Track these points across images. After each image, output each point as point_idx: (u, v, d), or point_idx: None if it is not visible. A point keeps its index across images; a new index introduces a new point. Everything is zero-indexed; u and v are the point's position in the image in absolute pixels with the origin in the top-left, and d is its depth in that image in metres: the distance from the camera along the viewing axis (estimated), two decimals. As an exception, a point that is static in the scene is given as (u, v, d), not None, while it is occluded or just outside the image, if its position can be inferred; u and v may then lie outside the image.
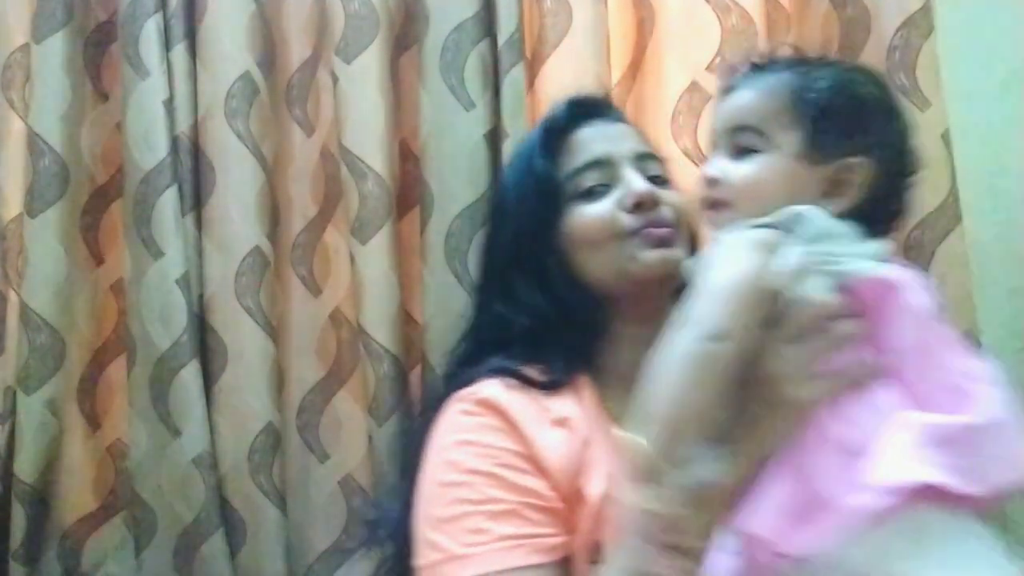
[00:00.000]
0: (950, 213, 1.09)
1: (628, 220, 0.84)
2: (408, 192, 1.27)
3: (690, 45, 1.17)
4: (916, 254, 1.09)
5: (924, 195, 1.09)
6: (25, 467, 1.26)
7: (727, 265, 0.63)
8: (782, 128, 0.69)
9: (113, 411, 1.34)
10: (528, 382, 0.83)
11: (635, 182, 0.86)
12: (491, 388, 0.82)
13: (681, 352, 0.61)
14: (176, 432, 1.22)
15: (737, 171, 0.70)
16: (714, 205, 0.72)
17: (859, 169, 0.69)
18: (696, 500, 0.60)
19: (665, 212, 0.86)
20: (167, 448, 1.22)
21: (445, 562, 0.72)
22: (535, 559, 0.72)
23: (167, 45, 1.28)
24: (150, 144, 1.25)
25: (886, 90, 0.75)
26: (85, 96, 1.35)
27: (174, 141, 1.26)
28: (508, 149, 1.15)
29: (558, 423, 0.80)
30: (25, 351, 1.27)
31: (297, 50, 1.34)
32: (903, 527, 0.55)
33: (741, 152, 0.71)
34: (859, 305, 0.62)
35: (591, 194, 0.87)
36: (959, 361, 0.62)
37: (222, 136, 1.26)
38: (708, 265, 0.65)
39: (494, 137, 1.22)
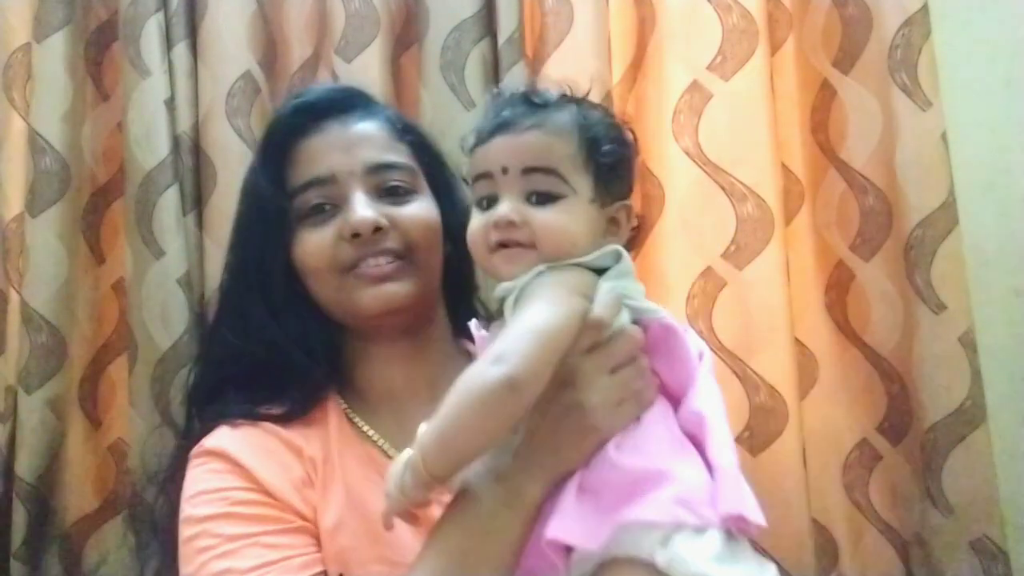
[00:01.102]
0: (949, 213, 1.10)
1: (348, 252, 0.81)
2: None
3: (691, 44, 1.17)
4: (916, 254, 1.10)
5: (924, 196, 1.10)
6: (26, 466, 1.26)
7: (544, 309, 0.65)
8: (578, 172, 0.70)
9: (114, 410, 1.33)
10: (262, 417, 0.81)
11: (356, 210, 0.81)
12: (216, 436, 0.81)
13: (480, 390, 0.62)
14: (177, 432, 1.21)
15: (541, 216, 0.69)
16: (510, 246, 0.70)
17: (629, 207, 0.74)
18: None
19: (392, 239, 0.81)
20: (168, 449, 1.22)
21: None
22: None
23: (168, 44, 1.28)
24: (151, 143, 1.25)
25: (634, 135, 0.78)
26: (86, 95, 1.35)
27: (175, 140, 1.26)
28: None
29: (293, 451, 0.79)
30: (26, 350, 1.27)
31: (298, 49, 1.33)
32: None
33: (538, 195, 0.69)
34: (650, 342, 0.70)
35: (319, 212, 0.83)
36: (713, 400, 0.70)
37: (223, 135, 1.26)
38: (528, 302, 0.66)
39: (495, 137, 1.22)
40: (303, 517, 0.75)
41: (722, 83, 1.15)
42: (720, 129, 1.15)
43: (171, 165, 1.25)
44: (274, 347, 0.83)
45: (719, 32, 1.16)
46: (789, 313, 1.14)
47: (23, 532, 1.26)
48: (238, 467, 0.77)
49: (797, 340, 1.16)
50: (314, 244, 0.82)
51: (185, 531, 0.75)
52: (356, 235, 0.80)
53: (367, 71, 1.24)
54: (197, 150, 1.28)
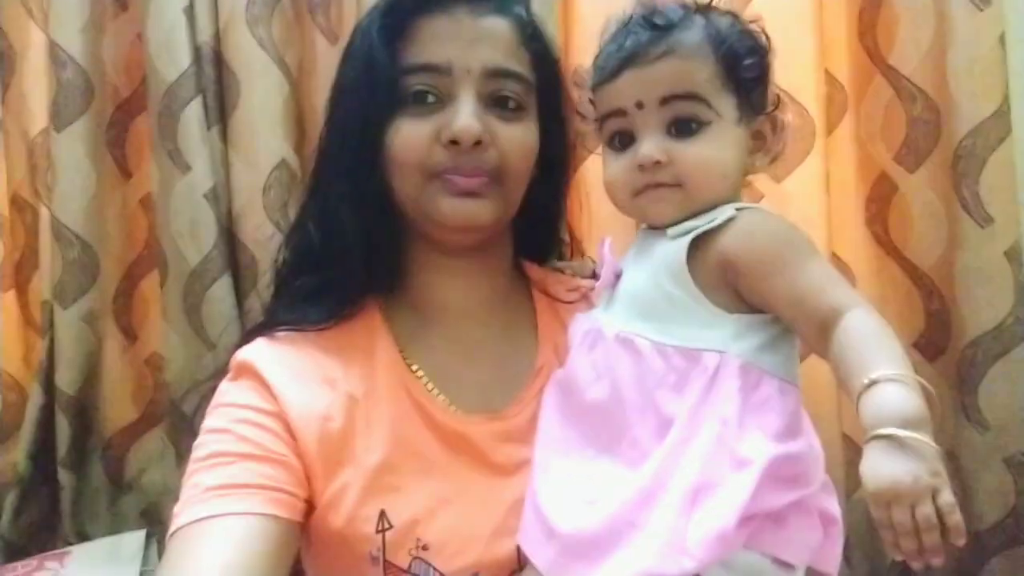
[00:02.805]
0: (1003, 121, 1.05)
1: (441, 157, 0.75)
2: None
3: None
4: (965, 165, 1.05)
5: (977, 103, 1.05)
6: (66, 378, 1.29)
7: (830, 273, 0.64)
8: (720, 94, 0.65)
9: (148, 324, 1.35)
10: (304, 327, 0.79)
11: (462, 116, 0.74)
12: (252, 349, 0.78)
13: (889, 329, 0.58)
14: (211, 346, 1.23)
15: (690, 151, 0.65)
16: (658, 188, 0.66)
17: (776, 119, 0.70)
18: None
19: (488, 156, 0.76)
20: (202, 362, 1.24)
21: (171, 526, 0.69)
22: (240, 507, 0.68)
23: (185, -50, 1.23)
24: (172, 54, 1.22)
25: (766, 35, 0.71)
26: (104, 5, 1.31)
27: (196, 51, 1.23)
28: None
29: (328, 382, 0.76)
30: (59, 266, 1.28)
31: (321, -48, 1.28)
32: None
33: (679, 125, 0.65)
34: None
35: (421, 101, 0.76)
36: None
37: (245, 45, 1.22)
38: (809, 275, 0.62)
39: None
40: (300, 454, 0.73)
41: (766, -20, 1.09)
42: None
43: (193, 76, 1.22)
44: (345, 234, 0.78)
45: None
46: (828, 227, 1.11)
47: (67, 441, 1.30)
48: (265, 387, 0.75)
49: (834, 255, 1.13)
50: (409, 136, 0.76)
51: (197, 440, 0.75)
52: (454, 142, 0.74)
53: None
54: (219, 61, 1.25)
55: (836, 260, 1.14)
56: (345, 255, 0.79)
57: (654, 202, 0.67)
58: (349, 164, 0.79)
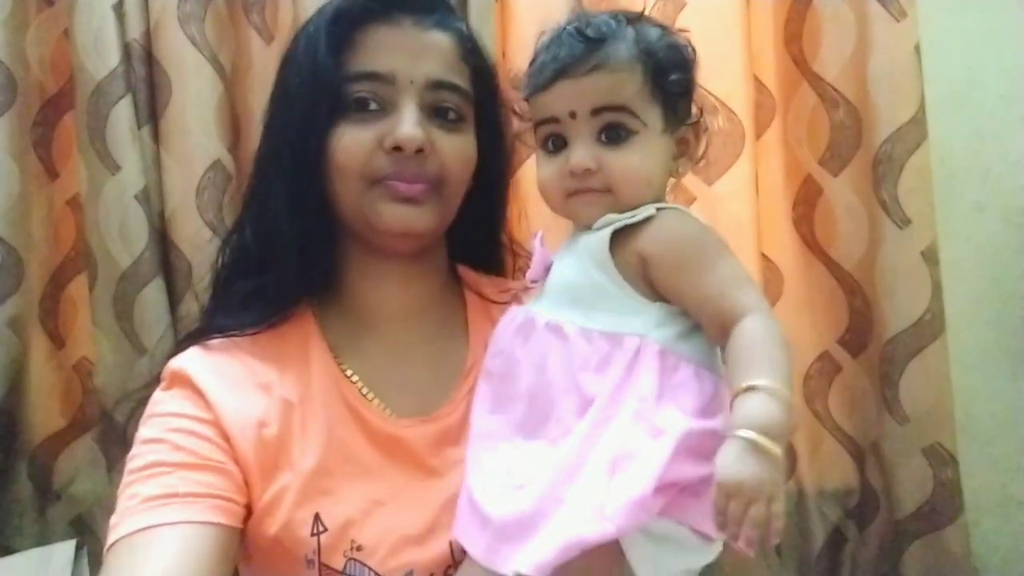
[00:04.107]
0: (919, 127, 1.09)
1: (382, 164, 0.77)
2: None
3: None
4: (884, 169, 1.10)
5: (895, 109, 1.09)
6: (-11, 386, 1.25)
7: (738, 269, 0.66)
8: (648, 105, 0.69)
9: (77, 329, 1.31)
10: (238, 334, 0.79)
11: (405, 124, 0.76)
12: (184, 358, 0.78)
13: (782, 337, 0.61)
14: (142, 351, 1.21)
15: (618, 159, 0.68)
16: (588, 193, 0.69)
17: (699, 126, 0.73)
18: None
19: (429, 164, 0.77)
20: (134, 367, 1.21)
21: (109, 537, 0.68)
22: (181, 516, 0.67)
23: (113, -56, 1.20)
24: (101, 52, 1.19)
25: (694, 50, 0.74)
26: (28, -1, 1.28)
27: (126, 48, 1.20)
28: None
29: (263, 388, 0.77)
30: (-19, 269, 1.24)
31: (253, -49, 1.26)
32: None
33: (609, 133, 0.68)
34: None
35: (363, 108, 0.77)
36: None
37: (177, 43, 1.20)
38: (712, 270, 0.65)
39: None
40: (238, 460, 0.73)
41: (695, -10, 1.12)
42: (692, 39, 1.12)
43: (123, 75, 1.19)
44: (281, 240, 0.78)
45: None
46: (757, 228, 1.14)
47: (-9, 451, 1.25)
48: (199, 395, 0.75)
49: (763, 255, 1.17)
50: (352, 142, 0.77)
51: (131, 450, 0.74)
52: (397, 149, 0.76)
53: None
54: (150, 59, 1.22)
55: (765, 260, 1.17)
56: (281, 259, 0.79)
57: (585, 205, 0.70)
58: (289, 169, 0.79)
